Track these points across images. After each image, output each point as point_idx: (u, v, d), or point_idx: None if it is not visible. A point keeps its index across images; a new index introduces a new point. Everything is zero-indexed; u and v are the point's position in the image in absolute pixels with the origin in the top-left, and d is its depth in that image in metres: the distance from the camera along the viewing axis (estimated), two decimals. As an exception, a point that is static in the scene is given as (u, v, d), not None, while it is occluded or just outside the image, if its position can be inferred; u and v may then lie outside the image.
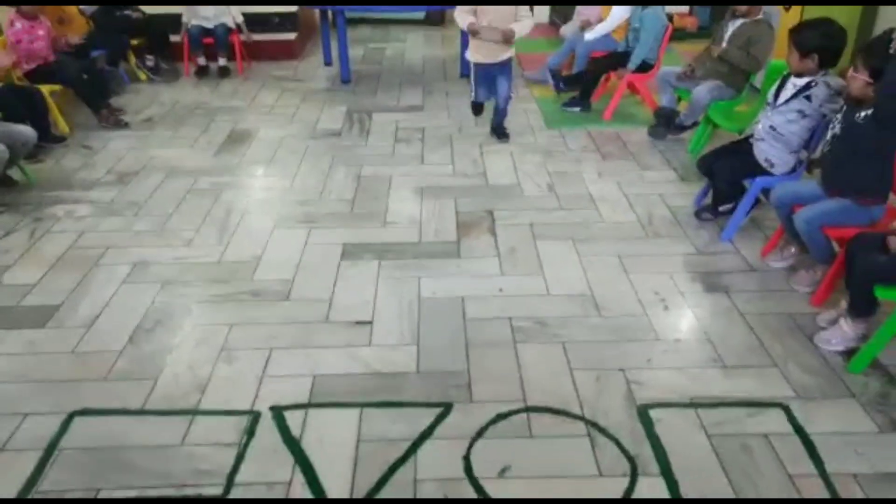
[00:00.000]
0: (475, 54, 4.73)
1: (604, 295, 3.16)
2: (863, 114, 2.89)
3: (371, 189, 4.26)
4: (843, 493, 2.16)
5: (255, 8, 6.97)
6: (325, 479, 2.20)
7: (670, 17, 6.91)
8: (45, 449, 2.30)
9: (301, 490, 2.16)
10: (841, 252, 2.95)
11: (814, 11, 5.35)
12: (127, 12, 6.34)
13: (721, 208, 3.78)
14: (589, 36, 5.85)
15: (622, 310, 3.06)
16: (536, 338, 2.87)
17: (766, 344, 2.84)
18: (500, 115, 5.01)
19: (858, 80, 2.90)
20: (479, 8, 4.56)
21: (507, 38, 4.53)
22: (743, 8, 4.44)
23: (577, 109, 5.58)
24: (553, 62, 6.15)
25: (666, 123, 4.96)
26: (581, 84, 5.67)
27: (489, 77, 4.83)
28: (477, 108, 5.21)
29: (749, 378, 2.65)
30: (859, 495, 2.15)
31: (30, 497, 2.12)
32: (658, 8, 5.24)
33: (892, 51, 2.72)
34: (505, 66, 4.78)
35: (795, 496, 2.14)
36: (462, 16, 4.63)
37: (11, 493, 2.13)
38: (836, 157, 3.05)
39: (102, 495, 2.13)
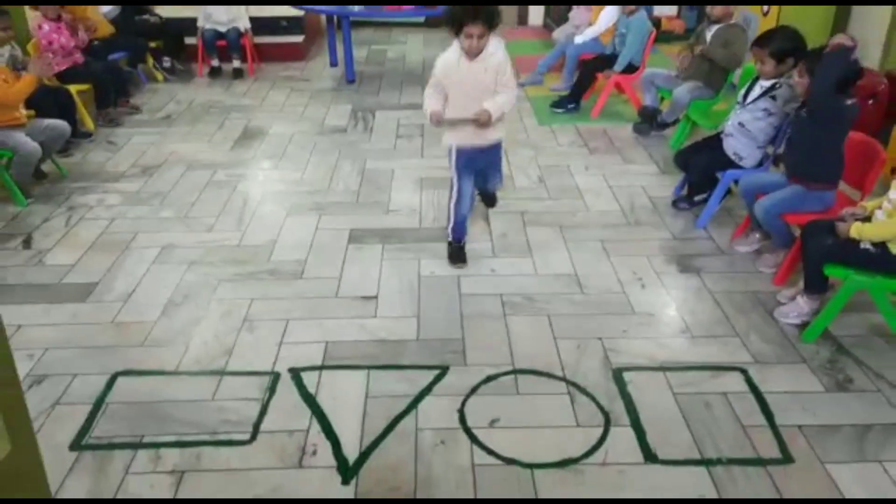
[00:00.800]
0: (453, 135, 3.41)
1: (586, 275, 3.44)
2: (804, 110, 3.24)
3: (375, 181, 4.53)
4: (789, 441, 2.43)
5: (265, 11, 7.22)
6: (338, 429, 2.49)
7: (659, 21, 7.21)
8: (93, 403, 2.61)
9: (318, 437, 2.46)
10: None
11: (789, 13, 5.68)
12: (145, 17, 6.69)
13: (696, 198, 4.07)
14: (578, 39, 6.13)
15: (603, 288, 3.34)
16: (524, 311, 3.16)
17: (731, 318, 3.11)
18: (489, 189, 3.90)
19: (804, 83, 3.23)
20: (451, 81, 3.27)
21: (483, 123, 3.24)
22: (718, 12, 4.75)
23: (562, 111, 5.75)
24: (544, 64, 6.45)
25: (649, 121, 5.21)
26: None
27: (474, 164, 3.48)
28: (457, 253, 3.54)
29: (713, 346, 2.93)
30: (803, 444, 2.42)
31: (84, 443, 2.44)
32: (643, 14, 5.51)
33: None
34: (494, 154, 3.56)
35: (748, 444, 2.42)
36: (429, 92, 3.34)
37: (69, 439, 2.45)
38: (791, 148, 3.39)
39: (146, 441, 2.44)
